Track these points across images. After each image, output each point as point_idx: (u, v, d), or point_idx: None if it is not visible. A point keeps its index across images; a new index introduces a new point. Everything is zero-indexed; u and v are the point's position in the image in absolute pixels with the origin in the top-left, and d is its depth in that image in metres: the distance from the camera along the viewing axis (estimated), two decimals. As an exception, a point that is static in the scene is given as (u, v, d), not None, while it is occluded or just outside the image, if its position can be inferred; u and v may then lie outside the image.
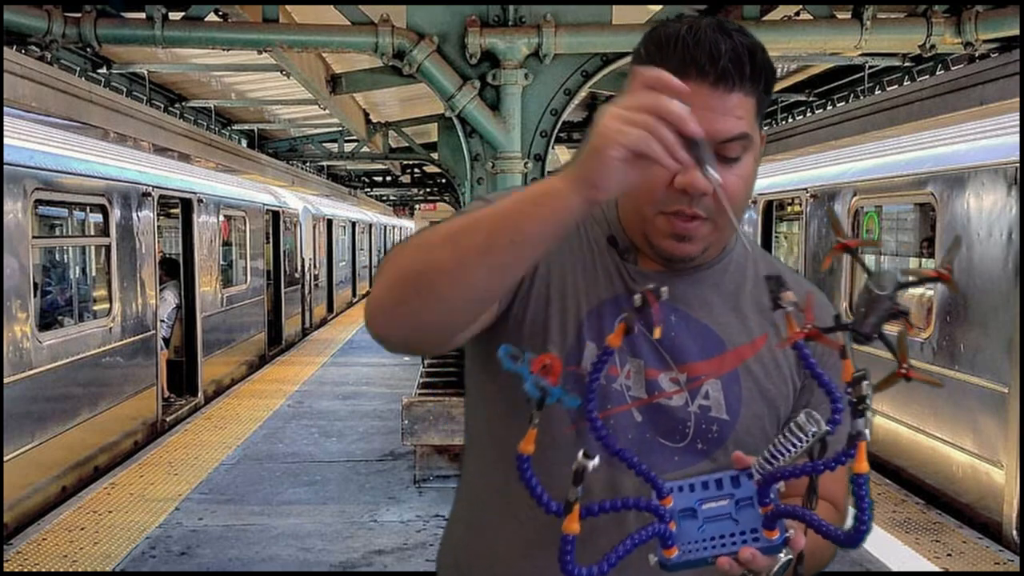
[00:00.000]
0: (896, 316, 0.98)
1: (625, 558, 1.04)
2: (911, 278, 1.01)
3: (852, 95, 10.57)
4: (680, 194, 1.20)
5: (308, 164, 17.22)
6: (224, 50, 5.93)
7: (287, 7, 5.78)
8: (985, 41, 5.30)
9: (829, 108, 10.80)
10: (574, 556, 1.02)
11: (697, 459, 1.29)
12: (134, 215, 7.66)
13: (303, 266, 15.73)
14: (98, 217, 7.29)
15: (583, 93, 5.84)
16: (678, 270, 1.31)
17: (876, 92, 9.78)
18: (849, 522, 1.03)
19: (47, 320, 6.74)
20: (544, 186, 1.07)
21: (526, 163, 5.47)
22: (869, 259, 7.72)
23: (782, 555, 1.13)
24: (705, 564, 1.05)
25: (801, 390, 1.35)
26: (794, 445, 1.01)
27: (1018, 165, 5.26)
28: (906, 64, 9.21)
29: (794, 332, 1.02)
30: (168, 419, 8.42)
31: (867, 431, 0.97)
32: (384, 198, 30.42)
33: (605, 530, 1.16)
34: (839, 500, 1.33)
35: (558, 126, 5.59)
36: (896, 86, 9.52)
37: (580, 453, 0.99)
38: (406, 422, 5.97)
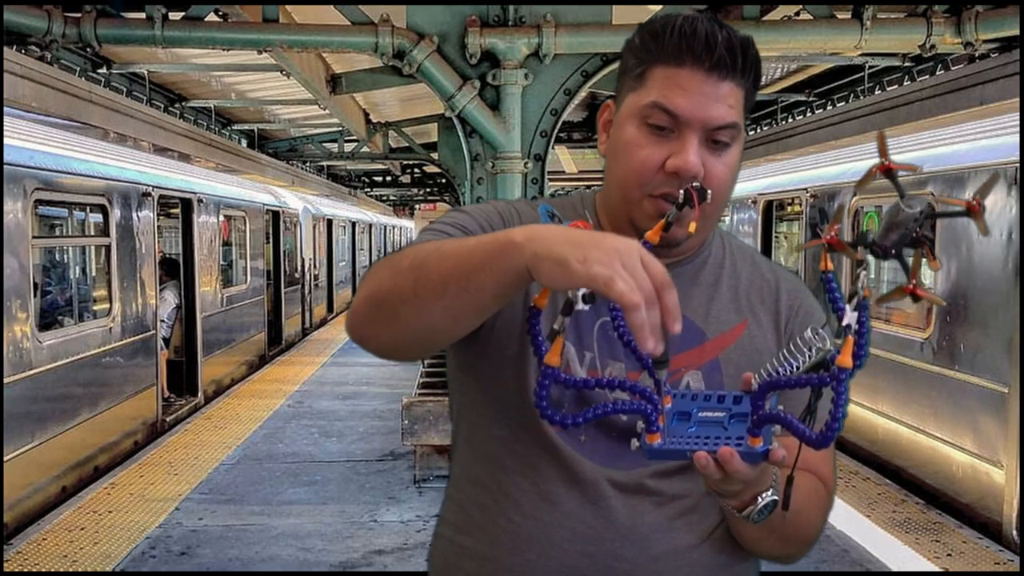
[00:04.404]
0: (917, 242, 0.98)
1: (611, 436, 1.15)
2: (941, 208, 1.02)
3: (852, 95, 10.57)
4: (670, 177, 1.22)
5: (308, 164, 17.22)
6: (224, 50, 5.94)
7: (287, 7, 5.78)
8: (985, 41, 5.30)
9: (829, 108, 10.80)
10: (549, 392, 1.05)
11: None
12: (134, 215, 7.66)
13: (303, 266, 15.73)
14: (98, 217, 7.29)
15: (583, 93, 5.85)
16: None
17: (876, 92, 9.78)
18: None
19: (47, 320, 6.74)
20: (505, 239, 1.04)
21: (526, 163, 5.48)
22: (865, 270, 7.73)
23: (766, 495, 1.15)
24: (684, 458, 1.08)
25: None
26: (795, 358, 1.04)
27: (1018, 165, 5.26)
28: (906, 64, 9.22)
29: (816, 240, 1.04)
30: (168, 419, 8.42)
31: (855, 326, 0.98)
32: (384, 198, 30.45)
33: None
34: (827, 477, 1.34)
35: (558, 126, 5.59)
36: (896, 86, 9.52)
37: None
38: (406, 422, 5.97)
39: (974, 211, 0.98)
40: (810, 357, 1.03)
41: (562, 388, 1.28)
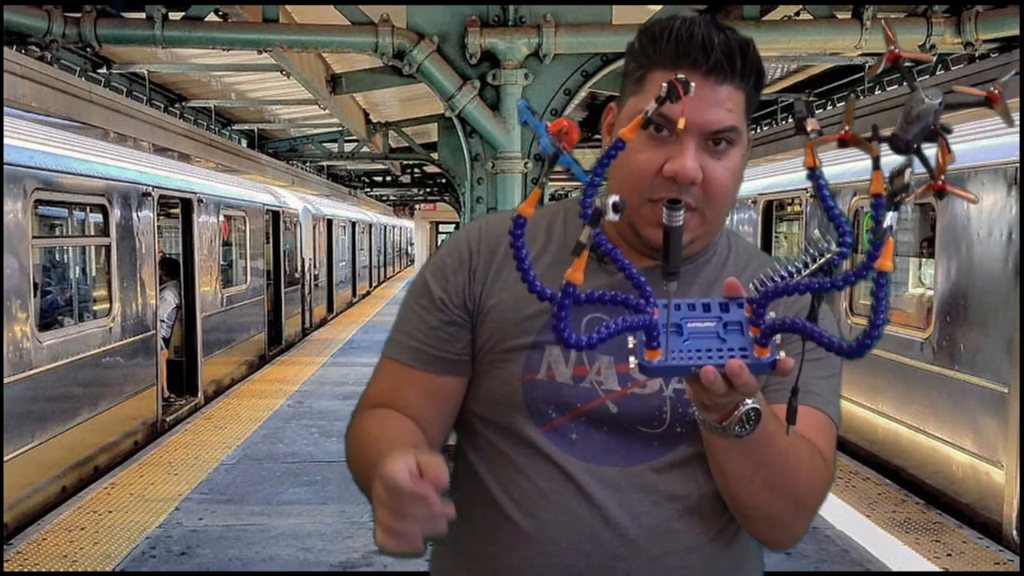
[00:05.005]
0: (935, 136, 0.95)
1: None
2: (960, 98, 0.98)
3: (852, 95, 10.55)
4: (669, 182, 1.21)
5: (308, 164, 17.21)
6: (224, 50, 5.93)
7: (287, 7, 5.78)
8: (985, 41, 5.30)
9: (829, 108, 10.79)
10: (570, 314, 0.98)
11: (677, 444, 1.29)
12: (134, 215, 7.66)
13: (303, 266, 15.72)
14: (98, 217, 7.29)
15: (583, 93, 5.84)
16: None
17: (876, 92, 9.78)
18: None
19: (47, 320, 6.74)
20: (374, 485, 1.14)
21: (526, 163, 5.47)
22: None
23: (748, 402, 1.08)
24: (688, 373, 1.01)
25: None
26: (800, 260, 0.99)
27: (1018, 165, 5.26)
28: (906, 64, 9.20)
29: (820, 139, 0.99)
30: (168, 419, 8.42)
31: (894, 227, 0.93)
32: (384, 198, 30.42)
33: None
34: (823, 449, 1.28)
35: (558, 126, 5.58)
36: (896, 86, 9.52)
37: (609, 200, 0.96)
38: (406, 422, 5.96)
39: (994, 100, 0.96)
40: (814, 260, 0.98)
41: (544, 390, 1.29)
